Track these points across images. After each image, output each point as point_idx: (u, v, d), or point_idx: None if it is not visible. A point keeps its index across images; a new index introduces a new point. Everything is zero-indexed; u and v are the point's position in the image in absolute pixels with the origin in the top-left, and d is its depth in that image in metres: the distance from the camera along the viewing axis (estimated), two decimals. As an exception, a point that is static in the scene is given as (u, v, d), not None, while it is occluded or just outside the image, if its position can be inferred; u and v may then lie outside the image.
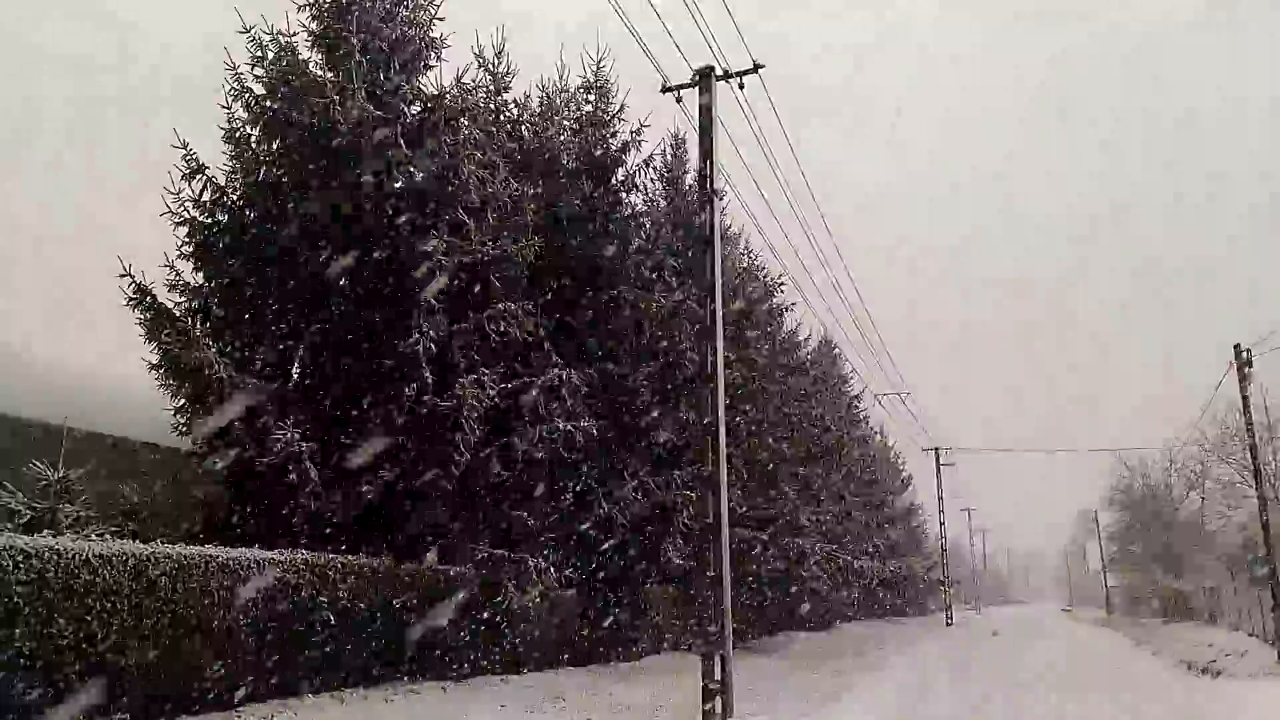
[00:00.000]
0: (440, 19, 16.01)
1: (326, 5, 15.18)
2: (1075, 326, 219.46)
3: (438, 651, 13.91)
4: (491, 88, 19.84)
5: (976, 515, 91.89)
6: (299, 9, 15.22)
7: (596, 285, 19.61)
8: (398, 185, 14.58)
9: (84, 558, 8.69)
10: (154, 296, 13.52)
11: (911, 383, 54.77)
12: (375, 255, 14.54)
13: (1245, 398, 26.99)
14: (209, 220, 14.58)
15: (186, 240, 14.34)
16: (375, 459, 13.81)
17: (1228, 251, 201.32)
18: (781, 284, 29.89)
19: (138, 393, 14.95)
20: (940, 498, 56.92)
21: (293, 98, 14.58)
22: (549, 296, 18.45)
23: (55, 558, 8.43)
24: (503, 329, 15.19)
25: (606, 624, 19.20)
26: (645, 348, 19.95)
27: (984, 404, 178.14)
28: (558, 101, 21.13)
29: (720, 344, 14.83)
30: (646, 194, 23.94)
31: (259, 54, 14.87)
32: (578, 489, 17.80)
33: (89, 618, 8.65)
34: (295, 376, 14.25)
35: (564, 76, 21.30)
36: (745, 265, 29.04)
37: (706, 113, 15.30)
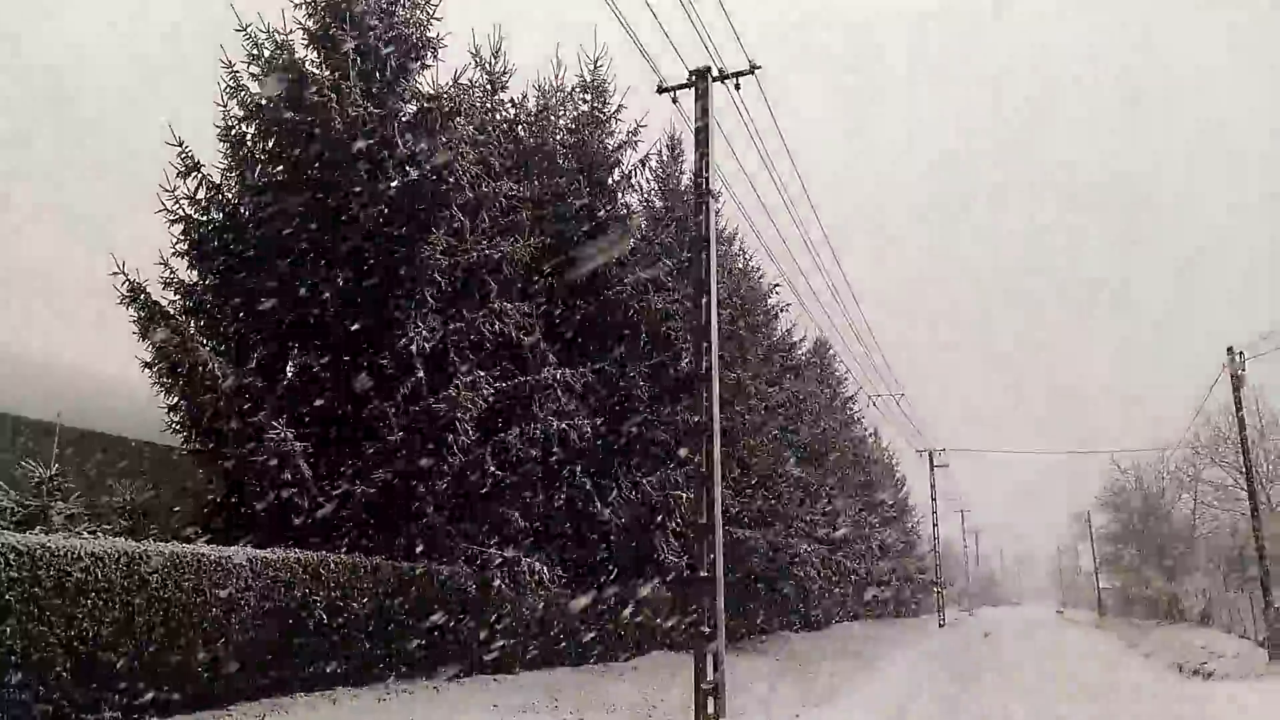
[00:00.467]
0: (437, 18, 15.99)
1: (323, 3, 15.15)
2: (1070, 329, 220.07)
3: (431, 651, 13.89)
4: (488, 87, 19.81)
5: (970, 516, 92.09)
6: (295, 7, 15.19)
7: (592, 285, 19.62)
8: (394, 184, 14.56)
9: (76, 555, 8.65)
10: (148, 294, 13.47)
11: (906, 384, 54.70)
12: (370, 254, 14.52)
13: (1238, 400, 27.12)
14: (204, 218, 14.54)
15: (181, 238, 14.30)
16: (369, 458, 13.79)
17: (1224, 254, 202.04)
18: (777, 285, 29.98)
19: (131, 390, 14.93)
20: (934, 499, 57.07)
21: (288, 96, 14.55)
22: (544, 296, 18.45)
23: (47, 555, 8.40)
24: (498, 328, 15.18)
25: (600, 623, 19.20)
26: (640, 348, 19.96)
27: (978, 406, 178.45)
28: (554, 101, 21.11)
29: (715, 344, 14.85)
30: (642, 194, 24.00)
31: (255, 52, 14.83)
32: (572, 488, 17.79)
33: (81, 616, 8.62)
34: (289, 375, 14.20)
35: (560, 76, 21.31)
36: (741, 266, 29.07)
37: (702, 114, 15.32)
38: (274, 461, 12.55)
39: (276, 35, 14.82)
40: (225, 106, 14.78)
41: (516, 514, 15.64)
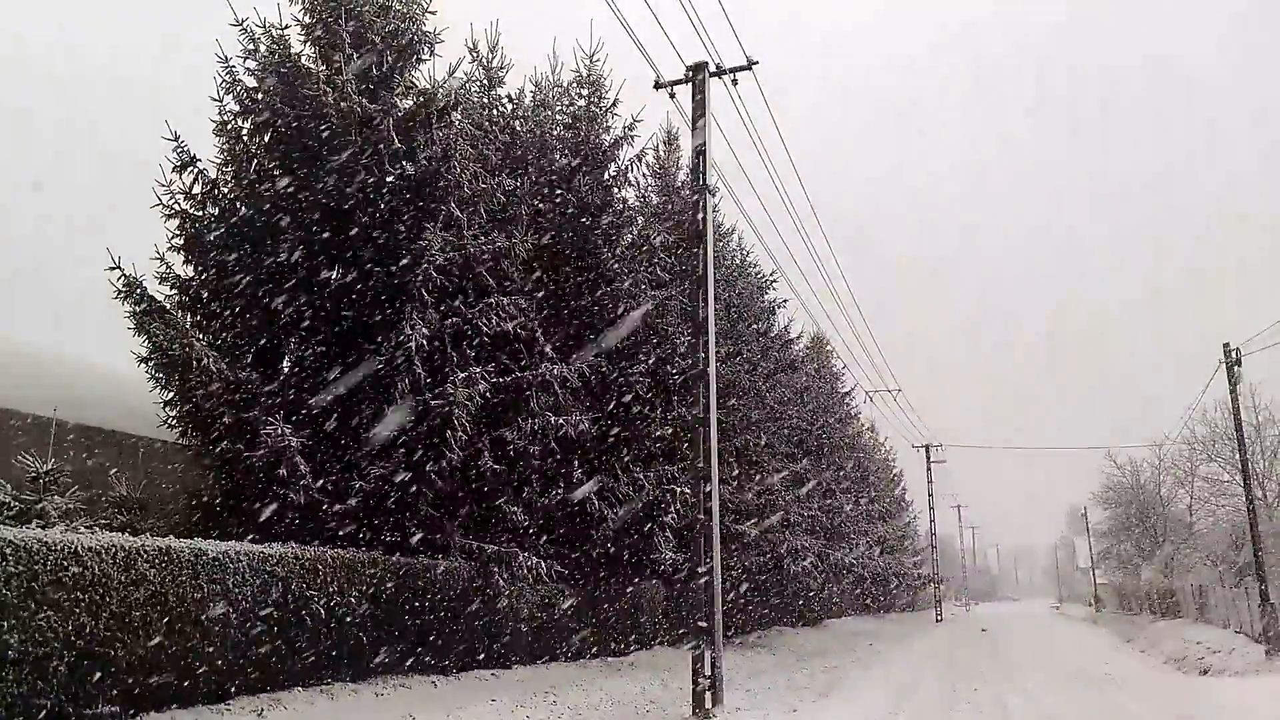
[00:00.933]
0: (433, 12, 15.96)
1: (319, -2, 15.12)
2: (1067, 324, 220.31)
3: (429, 646, 13.90)
4: (485, 82, 19.79)
5: (966, 512, 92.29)
6: (291, 2, 15.18)
7: (589, 280, 19.62)
8: (390, 179, 14.54)
9: (73, 550, 8.64)
10: (144, 289, 13.47)
11: (903, 380, 54.77)
12: (367, 249, 14.50)
13: (1234, 396, 27.16)
14: (200, 213, 14.53)
15: (177, 233, 14.29)
16: (366, 454, 13.78)
17: (1222, 250, 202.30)
18: (774, 281, 29.98)
19: (127, 385, 14.91)
20: (931, 494, 57.17)
21: (284, 91, 14.53)
22: (541, 292, 18.43)
23: (44, 550, 8.38)
24: (495, 324, 15.17)
25: (597, 619, 19.23)
26: (637, 343, 19.95)
27: (975, 401, 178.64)
28: (551, 96, 21.08)
29: (712, 340, 14.86)
30: (639, 189, 23.98)
31: (251, 46, 14.82)
32: (569, 484, 17.79)
33: (78, 610, 8.61)
34: (286, 370, 14.20)
35: (557, 71, 21.27)
36: (738, 261, 29.06)
37: (699, 109, 15.32)
38: (271, 457, 12.54)
39: (272, 30, 14.81)
40: (221, 101, 14.75)
41: (514, 510, 15.64)
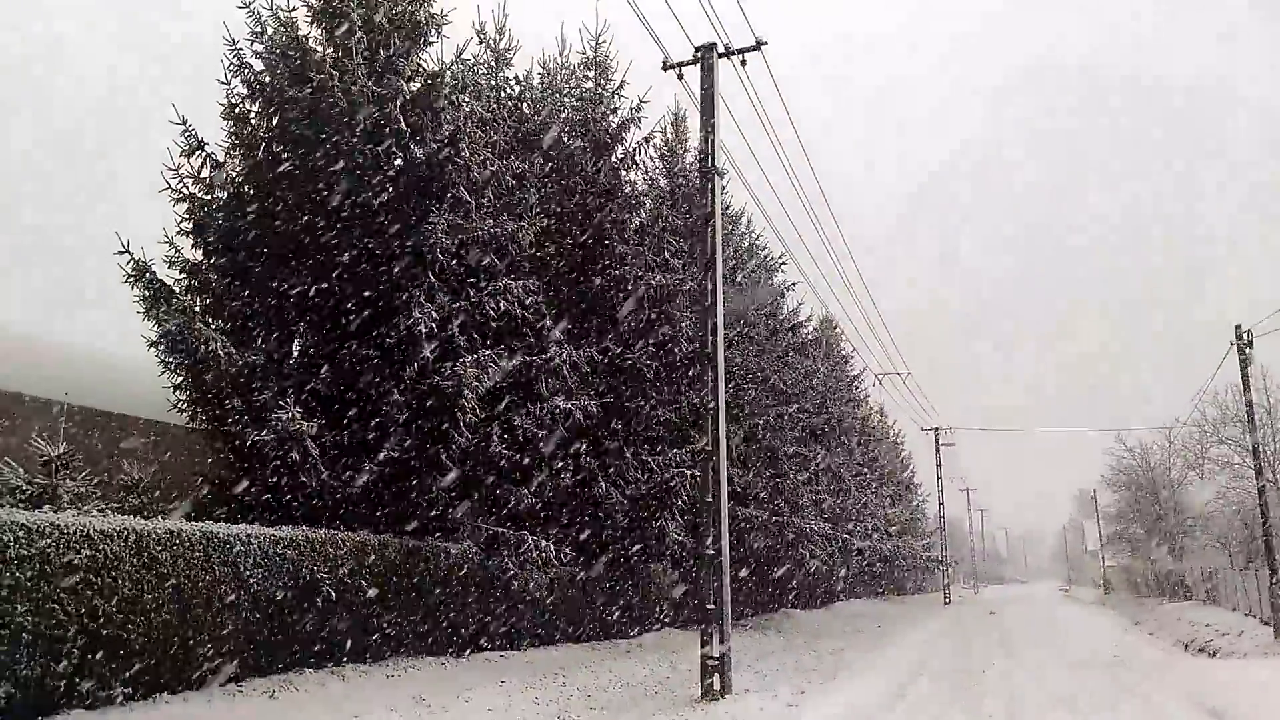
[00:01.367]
0: (441, -7, 15.88)
1: (326, -20, 15.05)
2: (1077, 307, 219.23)
3: (439, 628, 13.98)
4: (493, 64, 19.72)
5: (975, 495, 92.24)
6: (298, -17, 15.10)
7: (597, 264, 19.58)
8: (398, 162, 14.51)
9: (85, 533, 8.70)
10: (153, 273, 13.48)
11: (912, 363, 54.72)
12: (376, 232, 14.49)
13: (1245, 378, 26.98)
14: (208, 197, 14.53)
15: (186, 217, 14.30)
16: (376, 437, 13.82)
17: (1234, 233, 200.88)
18: (783, 263, 29.88)
19: (137, 369, 14.95)
20: (939, 477, 57.11)
21: (292, 74, 14.49)
22: (550, 275, 18.41)
23: (56, 533, 8.44)
24: (503, 307, 15.16)
25: (606, 601, 19.30)
26: (646, 327, 19.92)
27: (984, 384, 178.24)
28: (559, 78, 21.00)
29: (720, 323, 14.82)
30: (647, 172, 23.88)
31: (258, 29, 14.76)
32: (578, 467, 17.82)
33: (90, 593, 8.67)
34: (295, 354, 14.23)
35: (565, 53, 21.17)
36: (747, 244, 28.97)
37: (708, 90, 15.21)
38: (281, 439, 12.58)
39: (280, 12, 14.75)
40: (229, 85, 14.73)
41: (524, 493, 15.68)
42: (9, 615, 7.98)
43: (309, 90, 14.24)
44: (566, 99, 20.87)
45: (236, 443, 13.36)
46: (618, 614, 19.74)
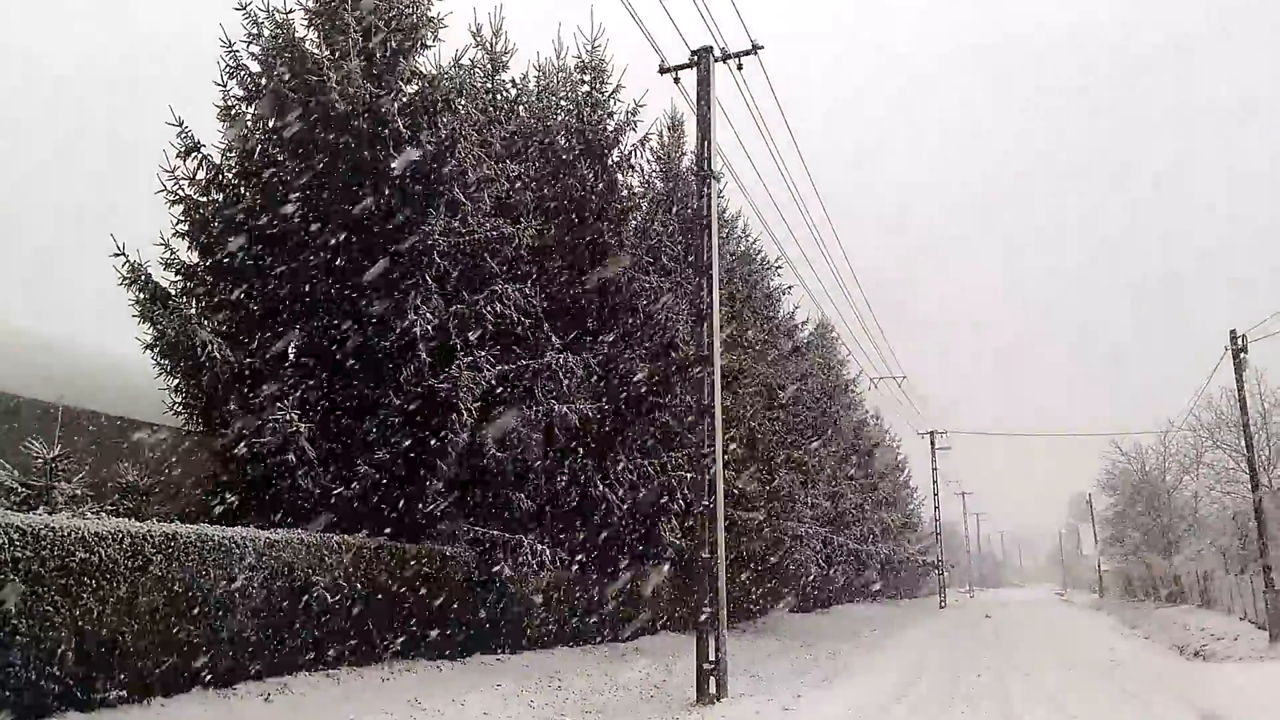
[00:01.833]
0: (437, -3, 15.90)
1: (323, -18, 15.06)
2: (1074, 312, 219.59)
3: (434, 631, 13.94)
4: (489, 67, 19.73)
5: (971, 498, 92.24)
6: (295, -15, 15.11)
7: (593, 267, 19.57)
8: (394, 165, 14.50)
9: (79, 536, 8.67)
10: (148, 275, 13.47)
11: (908, 367, 54.79)
12: (371, 235, 14.49)
13: (1240, 383, 27.06)
14: (204, 199, 14.51)
15: (181, 219, 14.27)
16: (372, 440, 13.81)
17: (1230, 238, 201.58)
18: (779, 267, 29.92)
19: (133, 371, 14.93)
20: (935, 481, 57.15)
21: (288, 76, 14.48)
22: (546, 278, 18.41)
23: (51, 535, 8.42)
24: (500, 310, 15.16)
25: (602, 605, 19.28)
26: (642, 329, 19.93)
27: (981, 388, 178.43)
28: (555, 81, 21.00)
29: (717, 326, 14.84)
30: (643, 175, 23.90)
31: (255, 31, 14.76)
32: (574, 470, 17.81)
33: (85, 595, 8.65)
34: (291, 356, 14.21)
35: (561, 56, 21.18)
36: (743, 248, 29.01)
37: (704, 93, 15.24)
38: (277, 442, 12.56)
39: (276, 15, 14.75)
40: (225, 86, 14.72)
41: (519, 496, 15.66)
42: (3, 618, 7.95)
43: (305, 93, 14.24)
44: (563, 102, 20.88)
45: (232, 445, 13.33)
46: (613, 617, 19.71)
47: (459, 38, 19.55)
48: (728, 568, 14.64)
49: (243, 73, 14.78)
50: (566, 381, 16.23)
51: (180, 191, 14.27)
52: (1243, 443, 28.87)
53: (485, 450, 14.71)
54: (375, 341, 14.14)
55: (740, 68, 15.67)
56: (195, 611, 9.88)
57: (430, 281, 14.38)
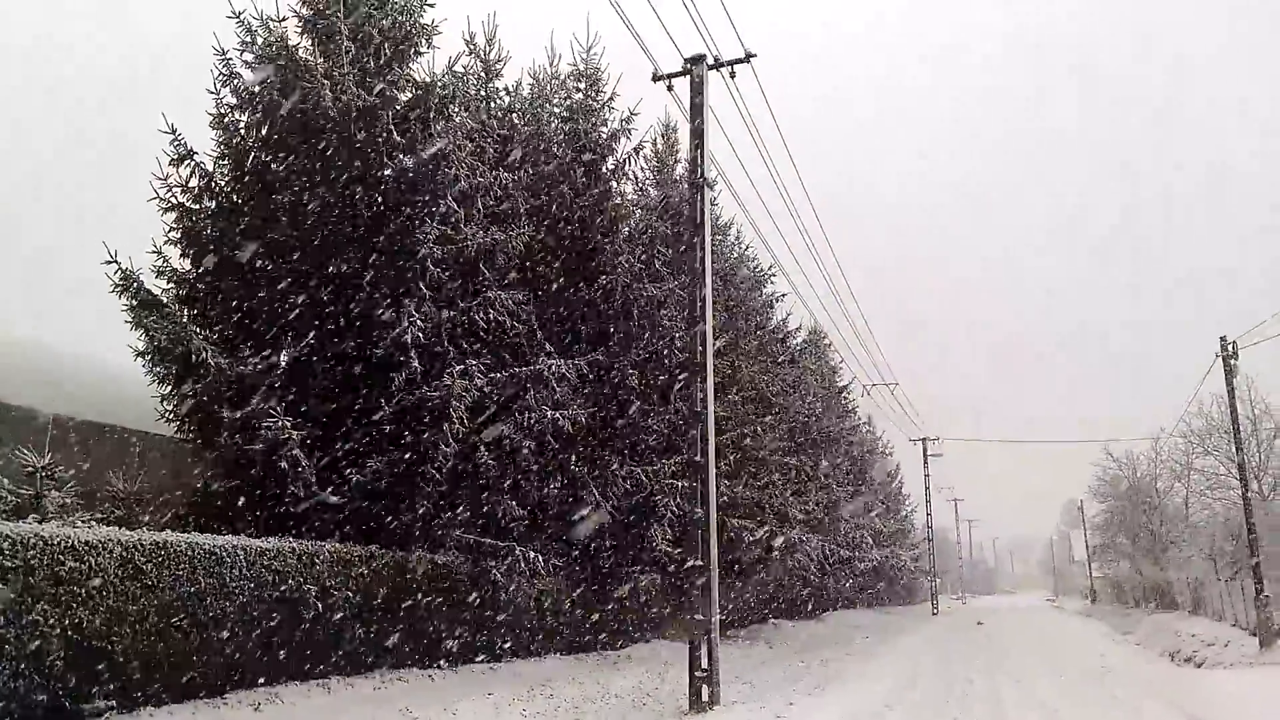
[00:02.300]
0: (431, 4, 15.93)
1: (316, -10, 15.08)
2: (1066, 317, 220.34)
3: (426, 640, 13.92)
4: (483, 75, 19.72)
5: (963, 505, 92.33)
6: (289, -6, 15.14)
7: (586, 274, 19.58)
8: (387, 173, 14.51)
9: (70, 544, 8.65)
10: (140, 283, 13.45)
11: (900, 374, 54.94)
12: (364, 242, 14.48)
13: (1231, 390, 27.16)
14: (197, 206, 14.50)
15: (174, 226, 14.27)
16: (364, 448, 13.79)
17: (1222, 245, 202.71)
18: (772, 275, 29.97)
19: (125, 379, 14.89)
20: (928, 488, 57.24)
21: (282, 83, 14.49)
22: (539, 285, 18.41)
23: (41, 544, 8.39)
24: (492, 318, 15.16)
25: (594, 613, 19.25)
26: (634, 337, 19.93)
27: (973, 395, 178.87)
28: (548, 89, 21.02)
29: (709, 333, 14.84)
30: (637, 183, 23.90)
31: (248, 39, 14.77)
32: (567, 478, 17.79)
33: (75, 604, 8.62)
34: (284, 364, 14.18)
35: (554, 63, 21.21)
36: (736, 255, 29.03)
37: (697, 101, 15.27)
38: (269, 450, 12.54)
39: (270, 22, 14.77)
40: (218, 94, 14.72)
41: (511, 504, 15.64)
42: (-8, 627, 7.92)
43: (299, 100, 14.25)
44: (556, 109, 20.91)
45: (224, 453, 13.31)
46: (605, 625, 19.69)
47: (453, 44, 19.60)
48: (720, 575, 14.63)
49: (236, 80, 14.78)
50: (559, 388, 16.23)
51: (173, 199, 14.27)
52: (1233, 449, 28.98)
53: (477, 458, 14.70)
54: (367, 349, 14.12)
55: (733, 75, 15.73)
56: (186, 620, 9.85)
57: (423, 289, 14.38)
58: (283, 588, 11.23)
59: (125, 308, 13.31)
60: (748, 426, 25.13)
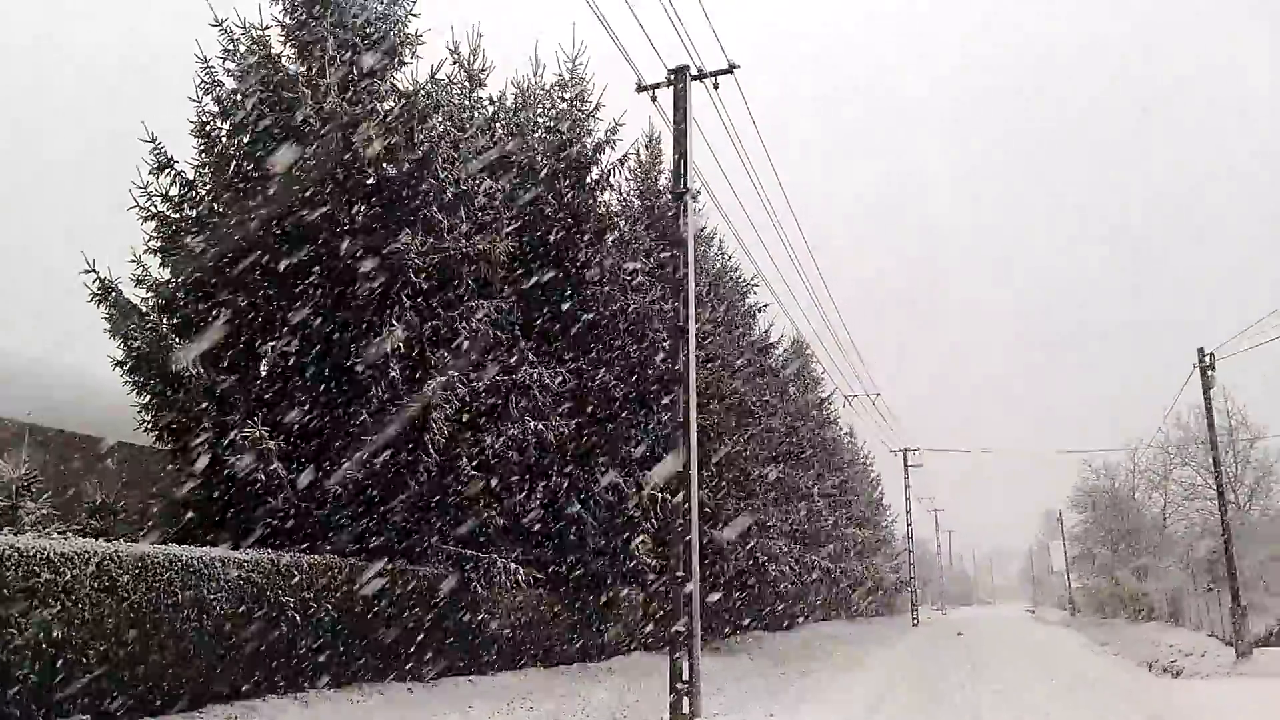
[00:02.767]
0: (415, 14, 15.92)
1: (300, -1, 15.04)
2: (1045, 329, 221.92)
3: (404, 652, 13.83)
4: (466, 84, 19.72)
5: (943, 516, 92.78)
6: (272, 2, 15.08)
7: (570, 284, 19.58)
8: (370, 181, 14.46)
9: (45, 556, 8.54)
10: (119, 292, 13.34)
11: (881, 385, 55.14)
12: (347, 251, 14.41)
13: (1208, 400, 27.46)
14: (177, 215, 14.40)
15: (154, 235, 14.16)
16: (344, 458, 13.69)
17: (1200, 256, 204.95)
18: (755, 285, 30.06)
19: (103, 389, 14.76)
20: (908, 498, 57.48)
21: (264, 92, 14.42)
22: (522, 295, 18.38)
23: (15, 556, 8.29)
24: (475, 327, 15.12)
25: (576, 624, 19.19)
26: (618, 347, 19.94)
27: (953, 406, 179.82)
28: (532, 99, 21.04)
29: (692, 344, 14.87)
30: (621, 194, 23.94)
31: (230, 47, 14.70)
32: (548, 489, 17.75)
33: (49, 616, 8.51)
34: (264, 374, 14.09)
35: (539, 73, 21.22)
36: (720, 266, 29.11)
37: (681, 112, 15.34)
38: (248, 461, 12.44)
39: (253, 31, 14.69)
40: (200, 102, 14.64)
41: (493, 515, 15.58)
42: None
43: (281, 109, 14.19)
44: (541, 119, 20.91)
45: (203, 463, 13.19)
46: (586, 637, 19.63)
47: (437, 53, 19.54)
48: (701, 586, 14.62)
49: (218, 89, 14.70)
50: (542, 399, 16.20)
51: (153, 208, 14.17)
52: (1210, 459, 29.27)
53: (459, 468, 14.64)
54: (348, 359, 14.04)
55: (716, 87, 15.82)
56: (162, 633, 9.74)
57: (405, 298, 14.32)
58: (261, 600, 11.13)
59: (104, 316, 13.20)
60: (730, 437, 25.17)
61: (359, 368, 13.95)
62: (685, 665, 13.78)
